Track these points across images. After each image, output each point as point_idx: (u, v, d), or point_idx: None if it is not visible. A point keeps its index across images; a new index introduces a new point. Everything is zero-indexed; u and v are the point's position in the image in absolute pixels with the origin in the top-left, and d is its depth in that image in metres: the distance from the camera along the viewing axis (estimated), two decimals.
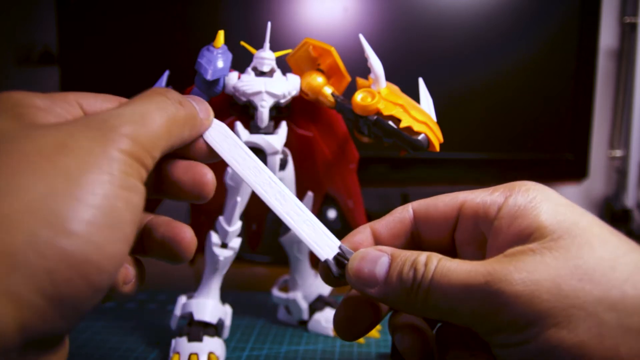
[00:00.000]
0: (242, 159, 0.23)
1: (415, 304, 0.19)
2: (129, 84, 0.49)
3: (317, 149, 0.37)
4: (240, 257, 0.36)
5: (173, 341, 0.33)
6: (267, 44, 0.32)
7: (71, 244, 0.14)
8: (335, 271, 0.22)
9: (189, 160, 0.22)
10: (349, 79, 0.33)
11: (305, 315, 0.39)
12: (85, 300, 0.15)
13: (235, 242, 0.34)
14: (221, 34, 0.31)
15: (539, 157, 0.56)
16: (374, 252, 0.21)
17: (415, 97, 0.32)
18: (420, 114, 0.30)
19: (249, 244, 0.43)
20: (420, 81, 0.33)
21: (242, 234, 0.35)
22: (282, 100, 0.32)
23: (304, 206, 0.23)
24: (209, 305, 0.34)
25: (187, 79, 0.32)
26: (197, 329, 0.33)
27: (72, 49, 0.59)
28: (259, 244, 0.43)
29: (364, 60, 0.31)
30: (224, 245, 0.34)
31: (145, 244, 0.22)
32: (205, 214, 0.39)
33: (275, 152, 0.33)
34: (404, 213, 0.24)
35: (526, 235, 0.19)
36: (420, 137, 0.30)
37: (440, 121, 0.31)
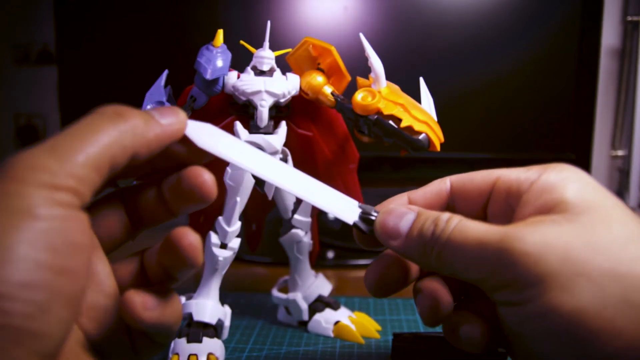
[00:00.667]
0: (242, 154, 0.22)
1: (430, 257, 0.21)
2: (128, 84, 0.49)
3: (317, 149, 0.37)
4: (239, 257, 0.36)
5: (172, 342, 0.33)
6: (266, 43, 0.32)
7: (14, 308, 0.14)
8: (365, 228, 0.23)
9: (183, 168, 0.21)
10: (349, 78, 0.33)
11: (305, 316, 0.38)
12: None
13: (235, 243, 0.34)
14: (220, 33, 0.31)
15: (541, 157, 0.56)
16: (401, 208, 0.23)
17: (416, 97, 0.32)
18: (420, 114, 0.30)
19: (249, 245, 0.43)
20: (421, 80, 0.32)
21: (242, 234, 0.35)
22: (282, 100, 0.32)
23: (314, 179, 0.23)
24: (208, 306, 0.34)
25: (186, 79, 0.32)
26: (196, 330, 0.33)
27: (71, 48, 0.59)
28: (259, 245, 0.43)
29: (364, 59, 0.31)
30: (224, 246, 0.34)
31: (150, 274, 0.21)
32: (204, 214, 0.39)
33: (275, 152, 0.32)
34: (441, 185, 0.25)
35: (549, 208, 0.20)
36: (421, 136, 0.30)
37: (441, 121, 0.31)
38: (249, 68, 0.32)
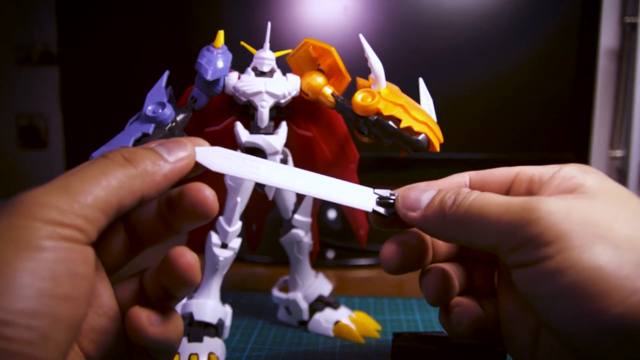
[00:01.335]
0: (257, 168, 0.23)
1: (449, 225, 0.21)
2: (129, 84, 0.49)
3: (317, 149, 0.37)
4: (240, 257, 0.36)
5: None
6: (267, 44, 0.32)
7: (15, 334, 0.14)
8: (385, 212, 0.24)
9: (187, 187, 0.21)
10: (349, 79, 0.33)
11: (306, 316, 0.38)
12: None
13: (235, 243, 0.34)
14: (221, 34, 0.31)
15: (540, 157, 0.56)
16: (424, 185, 0.24)
17: (416, 97, 0.32)
18: (420, 114, 0.30)
19: (249, 245, 0.43)
20: (421, 81, 0.32)
21: (242, 234, 0.35)
22: (282, 101, 0.32)
23: (326, 177, 0.24)
24: (209, 306, 0.34)
25: (187, 79, 0.32)
26: (197, 330, 0.33)
27: (72, 49, 0.59)
28: (259, 245, 0.43)
29: (364, 60, 0.31)
30: (224, 246, 0.34)
31: (150, 294, 0.22)
32: None
33: (276, 153, 0.33)
34: (459, 177, 0.26)
35: (569, 190, 0.21)
36: (421, 137, 0.30)
37: (441, 121, 0.31)
38: (249, 69, 0.33)
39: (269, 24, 0.32)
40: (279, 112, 0.34)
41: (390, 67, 0.33)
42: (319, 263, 0.52)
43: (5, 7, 0.77)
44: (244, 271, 0.55)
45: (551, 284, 0.18)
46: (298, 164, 0.36)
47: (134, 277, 0.23)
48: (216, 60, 0.30)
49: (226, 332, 0.35)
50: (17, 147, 0.81)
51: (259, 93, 0.31)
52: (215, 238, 0.34)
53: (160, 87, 0.31)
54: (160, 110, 0.29)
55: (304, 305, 0.38)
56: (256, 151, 0.33)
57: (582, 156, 0.57)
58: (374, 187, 0.25)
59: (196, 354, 0.31)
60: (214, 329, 0.34)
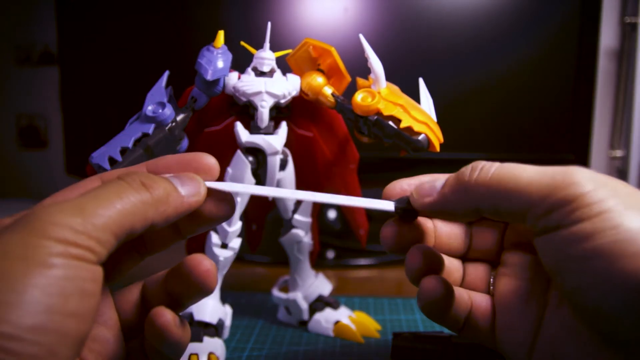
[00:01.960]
0: (272, 192, 0.24)
1: (472, 190, 0.21)
2: (129, 84, 0.49)
3: (317, 149, 0.37)
4: (240, 257, 0.36)
5: None
6: (267, 44, 0.32)
7: (23, 350, 0.14)
8: (406, 210, 0.24)
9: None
10: (349, 79, 0.33)
11: (306, 316, 0.39)
12: None
13: (235, 243, 0.34)
14: (221, 34, 0.31)
15: (540, 158, 0.56)
16: (435, 175, 0.24)
17: (416, 97, 0.32)
18: (420, 114, 0.30)
19: (249, 245, 0.43)
20: (421, 81, 0.33)
21: (242, 234, 0.35)
22: (282, 101, 0.32)
23: (345, 197, 0.24)
24: (209, 306, 0.34)
25: (187, 79, 0.32)
26: (197, 329, 0.33)
27: (72, 49, 0.59)
28: (259, 245, 0.43)
29: (364, 60, 0.31)
30: (224, 246, 0.34)
31: (154, 302, 0.22)
32: None
33: (276, 153, 0.33)
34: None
35: None
36: (421, 137, 0.30)
37: (441, 121, 0.31)
38: (249, 69, 0.33)
39: (269, 24, 0.32)
40: (279, 112, 0.34)
41: (390, 67, 0.33)
42: (319, 263, 0.52)
43: (5, 7, 0.77)
44: (244, 271, 0.55)
45: (589, 243, 0.18)
46: (298, 164, 0.36)
47: (134, 286, 0.23)
48: (216, 60, 0.30)
49: (226, 332, 0.35)
50: (17, 147, 0.81)
51: (259, 93, 0.31)
52: (215, 238, 0.34)
53: (160, 87, 0.31)
54: (160, 110, 0.30)
55: (304, 305, 0.38)
56: (256, 151, 0.33)
57: (582, 156, 0.57)
58: (375, 188, 0.25)
59: (196, 354, 0.31)
60: (214, 329, 0.34)
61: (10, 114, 0.80)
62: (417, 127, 0.30)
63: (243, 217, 0.35)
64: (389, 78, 0.32)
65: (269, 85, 0.32)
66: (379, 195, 0.25)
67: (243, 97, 0.32)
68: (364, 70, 0.32)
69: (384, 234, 0.25)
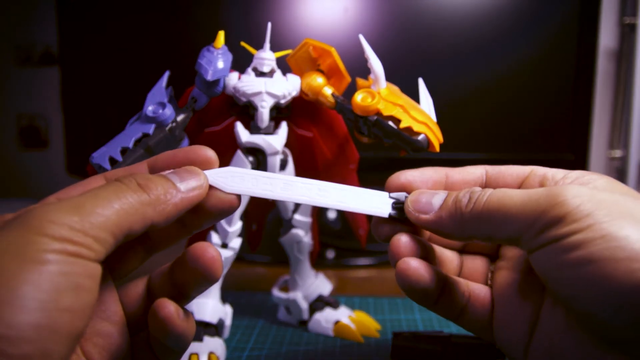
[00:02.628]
0: (270, 185, 0.23)
1: (466, 221, 0.22)
2: (130, 84, 0.49)
3: (317, 150, 0.37)
4: (240, 257, 0.36)
5: None
6: (267, 45, 0.32)
7: (14, 350, 0.14)
8: (401, 217, 0.24)
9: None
10: (349, 79, 0.33)
11: (306, 316, 0.39)
12: None
13: (236, 242, 0.34)
14: (221, 35, 0.31)
15: (539, 158, 0.56)
16: (431, 190, 0.24)
17: (415, 97, 0.32)
18: (420, 115, 0.30)
19: (249, 244, 0.43)
20: (420, 81, 0.33)
21: (242, 234, 0.35)
22: (282, 101, 0.32)
23: (342, 185, 0.24)
24: (209, 305, 0.34)
25: (187, 80, 0.32)
26: (197, 329, 0.33)
27: (73, 49, 0.59)
28: (259, 244, 0.43)
29: (364, 60, 0.32)
30: (224, 246, 0.34)
31: (160, 295, 0.22)
32: None
33: (276, 153, 0.33)
34: (475, 169, 0.26)
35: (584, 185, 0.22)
36: (420, 137, 0.30)
37: (440, 121, 0.31)
38: (249, 69, 0.33)
39: (269, 24, 0.32)
40: (279, 112, 0.34)
41: (390, 67, 0.33)
42: (319, 263, 0.52)
43: (6, 7, 0.77)
44: (244, 271, 0.55)
45: (580, 251, 0.18)
46: (298, 164, 0.36)
47: (140, 280, 0.23)
48: (216, 60, 0.30)
49: (226, 332, 0.36)
50: (17, 147, 0.81)
51: (259, 93, 0.32)
52: (215, 238, 0.34)
53: (161, 87, 0.32)
54: (160, 111, 0.30)
55: (304, 305, 0.39)
56: (256, 151, 0.33)
57: (581, 156, 0.57)
58: (380, 190, 0.25)
59: (196, 354, 0.31)
60: (214, 329, 0.34)
61: (11, 114, 0.81)
62: (416, 127, 0.30)
63: (243, 217, 0.35)
64: (389, 78, 0.32)
65: (269, 85, 0.32)
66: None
67: (243, 98, 0.32)
68: (364, 71, 0.32)
69: (379, 230, 0.25)
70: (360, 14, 0.54)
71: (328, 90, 0.33)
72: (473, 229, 0.22)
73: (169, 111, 0.30)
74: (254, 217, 0.42)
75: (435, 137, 0.30)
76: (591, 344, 0.20)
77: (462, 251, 0.28)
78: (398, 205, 0.24)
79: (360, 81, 0.33)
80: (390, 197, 0.24)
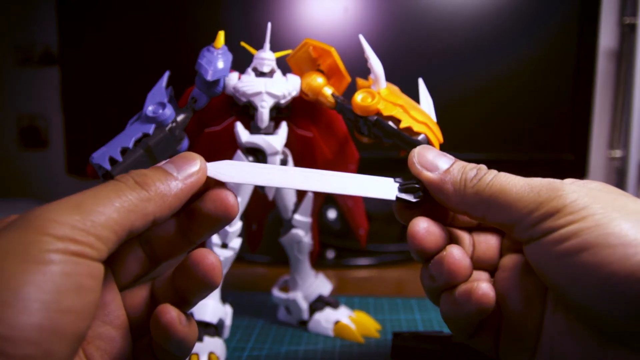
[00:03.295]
0: (269, 174, 0.23)
1: (469, 195, 0.22)
2: (130, 84, 0.49)
3: (317, 149, 0.37)
4: (240, 257, 0.36)
5: None
6: (267, 45, 0.32)
7: (16, 351, 0.14)
8: (413, 197, 0.23)
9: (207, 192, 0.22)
10: (349, 79, 0.33)
11: (306, 316, 0.39)
12: None
13: (236, 243, 0.34)
14: (221, 35, 0.31)
15: (539, 157, 0.56)
16: (438, 151, 0.24)
17: (415, 98, 0.32)
18: (420, 115, 0.30)
19: (249, 244, 0.43)
20: (420, 81, 0.33)
21: (242, 234, 0.35)
22: (282, 101, 0.32)
23: (343, 173, 0.23)
24: (209, 305, 0.34)
25: (187, 80, 0.32)
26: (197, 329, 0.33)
27: (73, 49, 0.59)
28: (259, 244, 0.43)
29: (364, 60, 0.32)
30: (224, 246, 0.34)
31: (163, 301, 0.22)
32: None
33: (276, 153, 0.33)
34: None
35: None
36: (420, 137, 0.30)
37: (440, 121, 0.31)
38: (249, 69, 0.33)
39: (269, 24, 0.32)
40: (279, 113, 0.34)
41: (390, 67, 0.33)
42: (319, 263, 0.52)
43: (5, 7, 0.77)
44: (244, 271, 0.55)
45: (575, 240, 0.19)
46: (298, 164, 0.36)
47: (144, 285, 0.23)
48: (216, 60, 0.30)
49: (226, 332, 0.36)
50: (17, 147, 0.81)
51: (259, 93, 0.32)
52: (215, 238, 0.34)
53: (161, 87, 0.32)
54: (160, 111, 0.30)
55: (304, 305, 0.39)
56: (256, 151, 0.33)
57: (581, 156, 0.57)
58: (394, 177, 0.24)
59: (196, 354, 0.31)
60: (214, 329, 0.34)
61: (11, 114, 0.81)
62: (416, 127, 0.30)
63: (243, 217, 0.35)
64: (388, 78, 0.32)
65: (269, 85, 0.32)
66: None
67: (243, 98, 0.32)
68: (364, 71, 0.32)
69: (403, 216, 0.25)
70: (360, 14, 0.54)
71: (328, 90, 0.33)
72: (470, 204, 0.22)
73: (169, 111, 0.30)
74: (254, 217, 0.42)
75: (435, 137, 0.30)
76: (591, 343, 0.20)
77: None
78: (405, 186, 0.24)
79: (360, 81, 0.33)
80: (396, 181, 0.24)
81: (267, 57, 0.32)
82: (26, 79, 0.79)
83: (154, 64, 0.54)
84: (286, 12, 0.53)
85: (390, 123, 0.30)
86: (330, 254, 0.59)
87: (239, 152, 0.33)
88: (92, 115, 0.59)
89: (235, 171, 0.22)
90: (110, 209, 0.18)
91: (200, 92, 0.31)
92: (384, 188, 0.24)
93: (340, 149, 0.37)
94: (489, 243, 0.27)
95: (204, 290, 0.21)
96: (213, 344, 0.32)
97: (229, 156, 0.33)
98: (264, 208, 0.41)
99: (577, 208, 0.19)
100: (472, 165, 0.23)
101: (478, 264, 0.27)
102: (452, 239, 0.25)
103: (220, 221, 0.22)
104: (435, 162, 0.23)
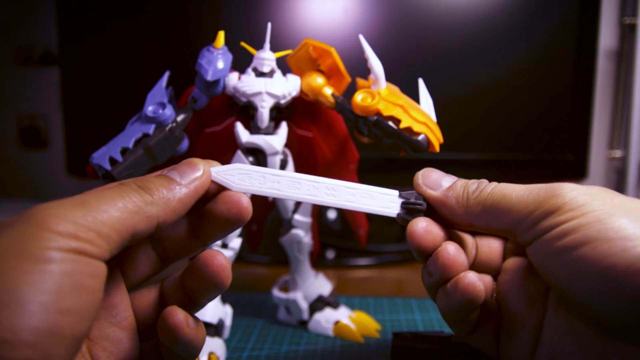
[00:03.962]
0: (277, 183, 0.23)
1: (472, 207, 0.23)
2: (130, 85, 0.49)
3: (317, 150, 0.37)
4: (240, 257, 0.36)
5: None
6: (267, 45, 0.32)
7: (13, 355, 0.14)
8: (409, 218, 0.24)
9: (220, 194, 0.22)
10: (349, 79, 0.33)
11: (306, 316, 0.39)
12: None
13: (236, 243, 0.34)
14: (221, 35, 0.31)
15: (539, 158, 0.56)
16: (441, 172, 0.26)
17: (415, 98, 0.32)
18: (420, 115, 0.30)
19: (249, 245, 0.43)
20: (420, 81, 0.33)
21: (242, 234, 0.35)
22: (282, 101, 0.32)
23: (351, 183, 0.24)
24: (209, 306, 0.34)
25: (187, 80, 0.32)
26: None
27: (73, 49, 0.59)
28: (259, 244, 0.43)
29: (364, 60, 0.32)
30: (224, 246, 0.34)
31: (171, 302, 0.22)
32: None
33: (276, 153, 0.33)
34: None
35: None
36: (420, 137, 0.30)
37: (440, 121, 0.31)
38: (249, 69, 0.33)
39: (269, 24, 0.32)
40: (279, 113, 0.34)
41: (390, 68, 0.33)
42: (319, 263, 0.52)
43: (6, 7, 0.77)
44: (244, 271, 0.55)
45: (576, 235, 0.19)
46: (298, 164, 0.36)
47: (153, 286, 0.22)
48: (216, 60, 0.30)
49: (226, 332, 0.36)
50: (18, 147, 0.81)
51: (259, 94, 0.32)
52: None
53: (161, 87, 0.32)
54: (160, 111, 0.30)
55: (304, 305, 0.39)
56: (256, 151, 0.33)
57: (581, 157, 0.57)
58: (398, 190, 0.25)
59: None
60: (215, 329, 0.34)
61: (11, 114, 0.81)
62: (416, 128, 0.30)
63: None
64: (389, 78, 0.32)
65: (269, 85, 0.32)
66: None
67: (243, 98, 0.32)
68: (364, 71, 0.32)
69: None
70: (360, 14, 0.54)
71: (328, 91, 0.33)
72: (474, 214, 0.23)
73: (169, 111, 0.30)
74: (254, 217, 0.42)
75: (436, 137, 0.30)
76: (592, 342, 0.20)
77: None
78: (407, 206, 0.24)
79: (360, 81, 0.33)
80: (401, 195, 0.24)
81: (267, 57, 0.32)
82: (26, 79, 0.79)
83: (154, 64, 0.54)
84: (286, 12, 0.53)
85: (390, 123, 0.30)
86: (330, 254, 0.59)
87: (239, 152, 0.33)
88: (92, 115, 0.59)
89: (244, 179, 0.22)
90: (113, 208, 0.18)
91: (200, 92, 0.31)
92: (389, 204, 0.24)
93: (340, 149, 0.37)
94: (492, 247, 0.27)
95: (213, 291, 0.21)
96: (213, 344, 0.32)
97: (229, 156, 0.33)
98: (264, 208, 0.41)
99: (577, 205, 0.20)
100: (474, 180, 0.24)
101: (481, 267, 0.27)
102: (454, 240, 0.25)
103: (233, 223, 0.21)
104: (438, 181, 0.25)
